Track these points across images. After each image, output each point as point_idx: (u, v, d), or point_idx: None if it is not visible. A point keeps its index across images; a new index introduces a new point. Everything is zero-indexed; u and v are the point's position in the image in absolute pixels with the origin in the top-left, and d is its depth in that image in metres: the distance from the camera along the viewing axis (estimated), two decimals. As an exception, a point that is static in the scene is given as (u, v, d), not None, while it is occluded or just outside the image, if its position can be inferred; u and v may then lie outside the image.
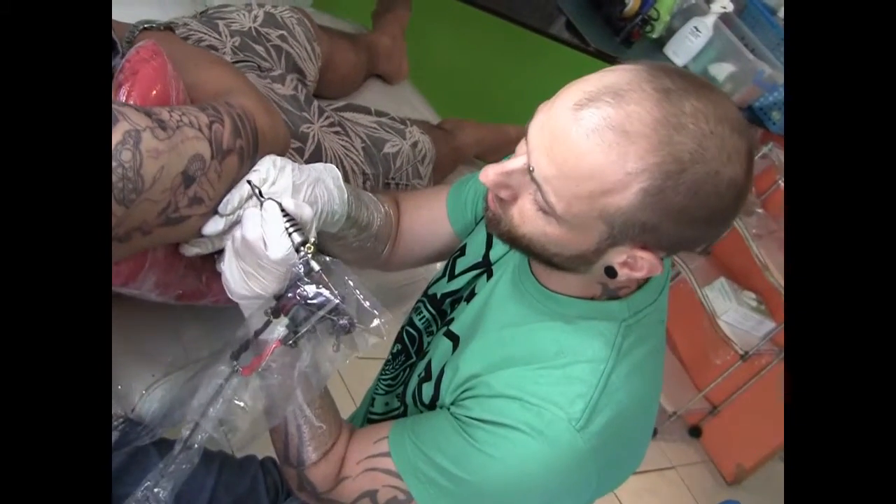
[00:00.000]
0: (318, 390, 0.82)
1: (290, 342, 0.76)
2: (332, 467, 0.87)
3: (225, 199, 0.80)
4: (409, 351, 1.05)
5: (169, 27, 1.07)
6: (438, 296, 1.02)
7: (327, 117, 1.33)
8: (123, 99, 0.79)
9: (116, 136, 0.67)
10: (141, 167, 0.69)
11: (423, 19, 1.96)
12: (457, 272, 1.00)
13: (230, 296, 0.81)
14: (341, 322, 0.75)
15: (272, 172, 0.82)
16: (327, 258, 0.78)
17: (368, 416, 1.09)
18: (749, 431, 2.64)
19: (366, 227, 0.99)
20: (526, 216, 0.74)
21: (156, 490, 0.78)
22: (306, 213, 0.81)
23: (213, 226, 0.80)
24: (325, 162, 1.22)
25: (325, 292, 0.75)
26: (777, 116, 2.29)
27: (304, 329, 0.76)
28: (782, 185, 2.44)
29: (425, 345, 1.02)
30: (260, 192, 0.80)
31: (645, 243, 0.72)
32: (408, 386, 0.97)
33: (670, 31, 2.22)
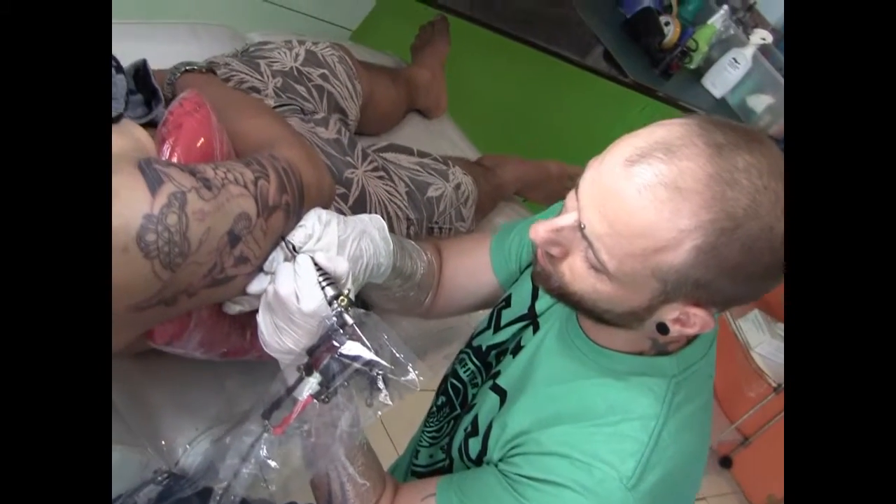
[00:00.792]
0: (355, 445, 0.81)
1: (323, 397, 0.75)
2: None
3: (270, 257, 0.79)
4: (454, 403, 1.04)
5: (210, 69, 1.07)
6: (484, 348, 1.01)
7: (371, 161, 1.32)
8: (167, 153, 0.78)
9: (161, 199, 0.66)
10: (187, 230, 0.68)
11: (461, 52, 1.95)
12: (502, 324, 0.99)
13: (265, 349, 0.81)
14: (375, 374, 0.74)
15: (318, 228, 0.81)
16: (361, 311, 0.76)
17: (412, 469, 1.07)
18: (781, 462, 2.55)
19: (410, 276, 0.98)
20: (577, 273, 0.72)
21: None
22: (340, 267, 0.79)
23: (259, 284, 0.79)
24: (370, 208, 1.22)
25: (359, 345, 0.74)
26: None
27: (337, 383, 0.75)
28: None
29: (470, 397, 1.00)
30: (294, 248, 0.79)
31: (698, 300, 0.70)
32: (453, 439, 0.96)
33: (708, 62, 2.21)
